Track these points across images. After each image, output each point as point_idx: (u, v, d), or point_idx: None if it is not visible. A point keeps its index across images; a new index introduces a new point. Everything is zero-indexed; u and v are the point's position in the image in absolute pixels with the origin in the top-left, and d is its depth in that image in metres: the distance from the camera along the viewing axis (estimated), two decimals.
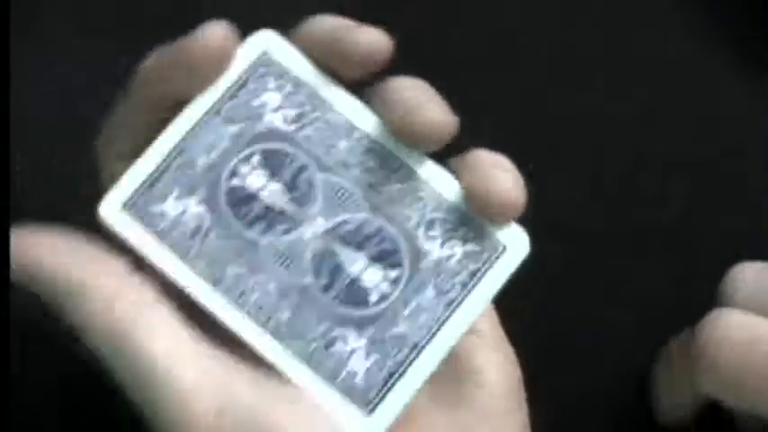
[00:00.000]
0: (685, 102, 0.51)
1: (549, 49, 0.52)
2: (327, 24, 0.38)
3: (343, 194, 0.38)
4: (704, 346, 0.39)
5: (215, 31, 0.37)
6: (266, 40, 0.39)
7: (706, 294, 0.43)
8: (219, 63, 0.38)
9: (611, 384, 0.47)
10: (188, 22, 0.39)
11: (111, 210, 0.37)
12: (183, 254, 0.37)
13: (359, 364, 0.36)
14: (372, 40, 0.37)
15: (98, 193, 0.38)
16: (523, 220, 0.37)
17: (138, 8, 0.52)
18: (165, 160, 0.37)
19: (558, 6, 0.53)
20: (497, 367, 0.38)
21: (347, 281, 0.37)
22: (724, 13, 0.53)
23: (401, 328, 0.36)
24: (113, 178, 0.38)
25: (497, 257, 0.37)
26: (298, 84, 0.38)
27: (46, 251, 0.36)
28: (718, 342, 0.39)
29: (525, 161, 0.40)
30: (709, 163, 0.50)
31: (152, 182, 0.37)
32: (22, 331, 0.46)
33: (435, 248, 0.37)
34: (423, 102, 0.37)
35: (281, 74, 0.38)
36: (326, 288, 0.37)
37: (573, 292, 0.48)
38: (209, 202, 0.37)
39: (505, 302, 0.40)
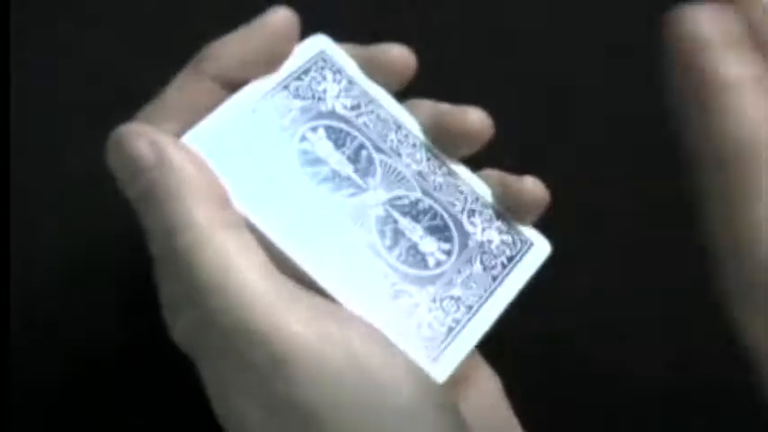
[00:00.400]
0: None
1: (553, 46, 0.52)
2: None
3: (397, 175, 0.41)
4: None
5: (283, 15, 0.40)
6: (323, 42, 0.42)
7: None
8: (288, 44, 0.40)
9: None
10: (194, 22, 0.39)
11: (202, 139, 0.38)
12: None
13: (423, 317, 0.39)
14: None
15: (100, 193, 0.38)
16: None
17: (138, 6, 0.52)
18: (240, 114, 0.39)
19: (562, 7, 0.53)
20: None
21: (408, 245, 0.40)
22: None
23: (457, 291, 0.40)
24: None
25: (527, 251, 0.42)
26: (351, 81, 0.42)
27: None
28: None
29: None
30: None
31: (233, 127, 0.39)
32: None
33: (477, 232, 0.42)
34: (463, 107, 0.42)
35: (337, 70, 0.42)
36: (391, 248, 0.40)
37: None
38: (283, 158, 0.39)
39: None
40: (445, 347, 0.39)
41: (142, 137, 0.37)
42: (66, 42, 0.51)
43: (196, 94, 0.39)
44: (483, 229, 0.42)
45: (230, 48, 0.39)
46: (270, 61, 0.40)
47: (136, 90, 0.39)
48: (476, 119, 0.41)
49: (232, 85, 0.40)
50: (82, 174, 0.47)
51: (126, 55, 0.51)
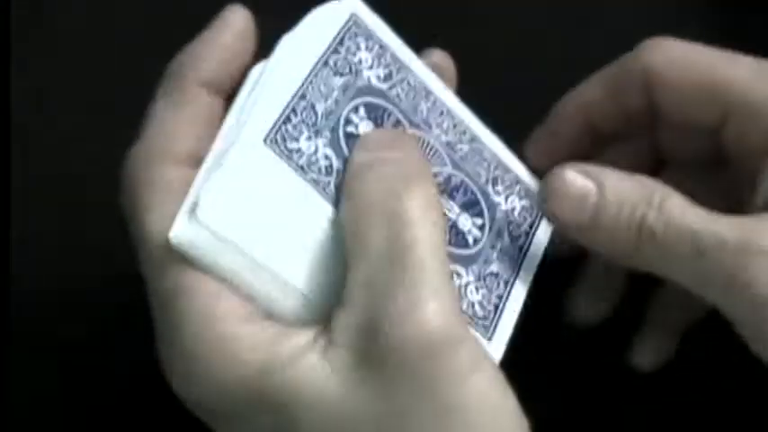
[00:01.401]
0: None
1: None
2: None
3: (430, 150, 0.41)
4: (654, 54, 0.43)
5: (242, 14, 0.39)
6: (353, 4, 0.41)
7: None
8: (250, 43, 0.39)
9: None
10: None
11: (253, 145, 0.36)
12: (322, 189, 0.37)
13: (473, 297, 0.39)
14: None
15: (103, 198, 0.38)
16: None
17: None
18: (290, 102, 0.37)
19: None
20: None
21: (449, 224, 0.39)
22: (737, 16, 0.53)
23: (494, 267, 0.40)
24: (177, 187, 0.37)
25: (544, 215, 0.41)
26: (382, 46, 0.41)
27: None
28: (666, 52, 0.43)
29: None
30: None
31: (284, 120, 0.37)
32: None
33: (502, 201, 0.42)
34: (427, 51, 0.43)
35: (369, 36, 0.41)
36: None
37: None
38: (333, 145, 0.38)
39: None
40: (496, 325, 0.39)
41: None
42: (67, 42, 0.51)
43: (196, 106, 0.38)
44: (506, 197, 0.42)
45: (207, 52, 0.39)
46: (241, 61, 0.39)
47: (136, 90, 0.39)
48: (437, 59, 0.43)
49: (220, 90, 0.39)
50: (82, 174, 0.47)
51: (126, 55, 0.51)
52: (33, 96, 0.50)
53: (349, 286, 0.35)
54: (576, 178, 0.39)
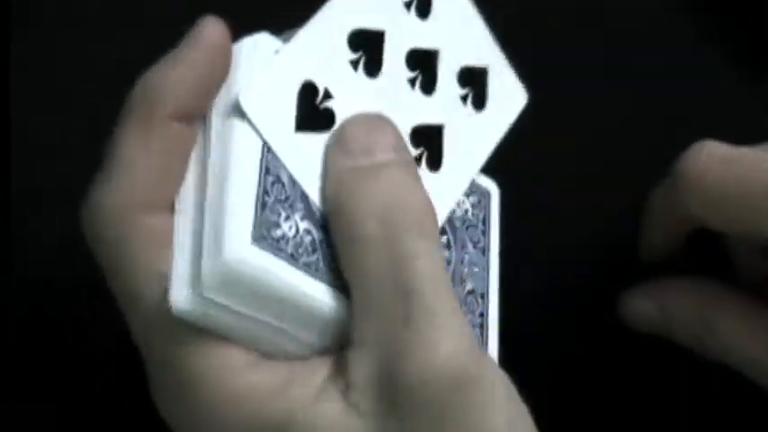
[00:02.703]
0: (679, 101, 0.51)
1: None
2: None
3: None
4: (690, 164, 0.40)
5: (215, 26, 0.35)
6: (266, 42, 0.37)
7: None
8: (227, 56, 0.36)
9: None
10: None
11: (241, 248, 0.33)
12: (314, 270, 0.35)
13: None
14: None
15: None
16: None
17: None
18: (260, 181, 0.34)
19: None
20: None
21: None
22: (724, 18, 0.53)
23: (469, 284, 0.38)
24: (162, 237, 0.34)
25: (489, 202, 0.40)
26: None
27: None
28: (704, 160, 0.40)
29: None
30: None
31: (261, 208, 0.34)
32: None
33: (456, 207, 0.39)
34: None
35: None
36: None
37: None
38: (309, 214, 0.35)
39: None
40: (486, 345, 0.38)
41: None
42: (67, 42, 0.51)
43: (167, 142, 0.34)
44: (458, 202, 0.40)
45: (175, 77, 0.34)
46: (217, 79, 0.35)
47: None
48: None
49: (192, 118, 0.35)
50: (82, 174, 0.47)
51: (127, 54, 0.51)
52: (33, 96, 0.50)
53: (358, 324, 0.34)
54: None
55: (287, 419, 0.33)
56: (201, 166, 0.35)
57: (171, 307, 0.33)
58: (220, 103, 0.35)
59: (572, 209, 0.49)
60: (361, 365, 0.34)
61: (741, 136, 0.51)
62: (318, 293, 0.34)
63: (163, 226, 0.34)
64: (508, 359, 0.37)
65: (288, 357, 0.35)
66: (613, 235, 0.49)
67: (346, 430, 0.33)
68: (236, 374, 0.34)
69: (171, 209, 0.35)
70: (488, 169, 0.41)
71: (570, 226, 0.49)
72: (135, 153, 0.34)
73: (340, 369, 0.34)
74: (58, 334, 0.47)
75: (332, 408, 0.33)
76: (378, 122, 0.36)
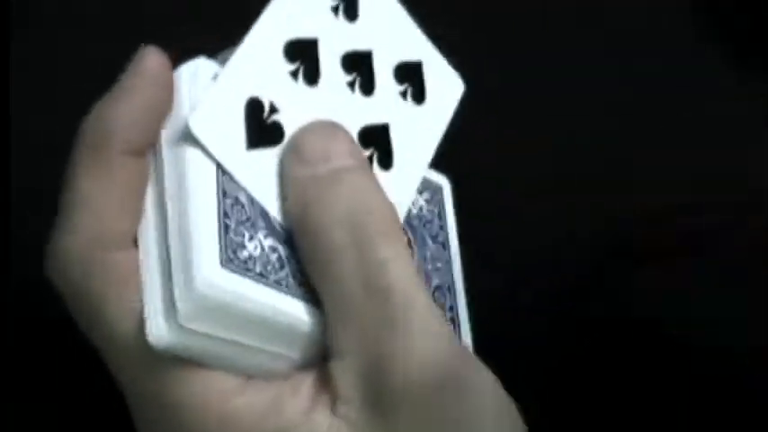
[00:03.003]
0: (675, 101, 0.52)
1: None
2: None
3: None
4: None
5: (156, 58, 0.35)
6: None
7: None
8: (170, 87, 0.35)
9: None
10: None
11: (211, 273, 0.33)
12: (285, 286, 0.34)
13: None
14: None
15: None
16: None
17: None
18: (219, 206, 0.34)
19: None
20: None
21: None
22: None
23: (436, 280, 0.38)
24: (127, 273, 0.34)
25: (442, 196, 0.41)
26: None
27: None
28: None
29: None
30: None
31: (224, 232, 0.34)
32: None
33: (411, 207, 0.39)
34: None
35: None
36: None
37: None
38: (272, 232, 0.35)
39: None
40: (459, 338, 0.38)
41: None
42: (67, 42, 0.51)
43: (125, 177, 0.34)
44: (413, 201, 0.39)
45: (128, 113, 0.34)
46: (161, 109, 0.35)
47: None
48: None
49: (143, 151, 0.35)
50: None
51: (126, 55, 0.51)
52: (33, 96, 0.50)
53: (337, 334, 0.34)
54: None
55: None
56: (158, 198, 0.35)
57: (150, 342, 0.33)
58: (168, 133, 0.35)
59: (547, 210, 0.50)
60: (346, 375, 0.33)
61: (738, 136, 0.51)
62: (292, 309, 0.34)
63: (127, 261, 0.34)
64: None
65: (270, 376, 0.34)
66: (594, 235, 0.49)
67: None
68: (222, 400, 0.33)
69: (134, 243, 0.35)
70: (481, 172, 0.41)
71: (537, 228, 0.49)
72: (91, 190, 0.34)
73: (324, 382, 0.34)
74: (57, 334, 0.47)
75: (321, 423, 0.33)
76: (330, 129, 0.36)
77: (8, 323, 0.46)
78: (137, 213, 0.34)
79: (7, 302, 0.46)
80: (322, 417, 0.33)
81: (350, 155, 0.35)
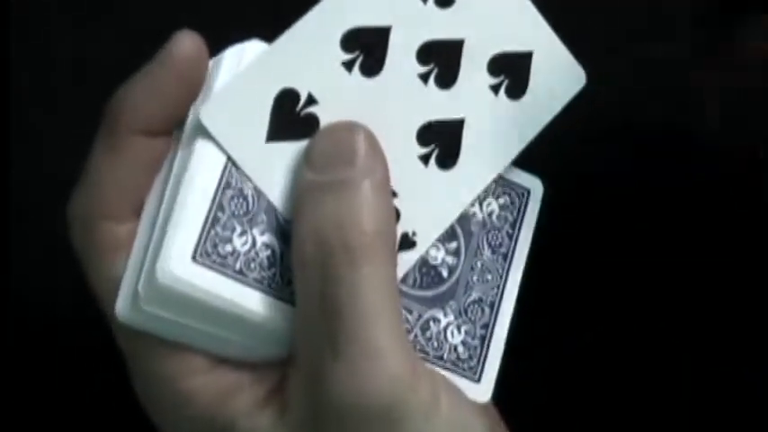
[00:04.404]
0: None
1: None
2: None
3: None
4: None
5: (190, 41, 0.35)
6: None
7: None
8: (202, 69, 0.35)
9: None
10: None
11: (177, 265, 0.33)
12: (266, 285, 0.34)
13: (456, 338, 0.36)
14: None
15: None
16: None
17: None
18: (215, 197, 0.34)
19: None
20: None
21: (418, 264, 0.36)
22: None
23: (476, 293, 0.37)
24: (122, 244, 0.35)
25: (526, 203, 0.38)
26: None
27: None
28: None
29: None
30: None
31: (212, 223, 0.33)
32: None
33: (477, 210, 0.37)
34: None
35: None
36: (403, 278, 0.36)
37: None
38: (273, 228, 0.34)
39: None
40: (484, 362, 0.36)
41: None
42: (66, 42, 0.51)
43: (132, 153, 0.35)
44: (481, 203, 0.37)
45: (142, 94, 0.34)
46: (189, 94, 0.35)
47: None
48: None
49: (161, 131, 0.35)
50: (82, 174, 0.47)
51: (127, 53, 0.51)
52: (33, 96, 0.50)
53: (295, 344, 0.34)
54: None
55: (229, 425, 0.34)
56: (166, 176, 0.35)
57: (116, 314, 0.34)
58: (193, 114, 0.35)
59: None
60: (294, 385, 0.34)
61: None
62: (262, 308, 0.34)
63: (126, 233, 0.35)
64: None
65: (241, 363, 0.35)
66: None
67: None
68: (184, 377, 0.34)
69: (136, 216, 0.35)
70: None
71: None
72: (99, 164, 0.35)
73: (283, 383, 0.34)
74: (57, 334, 0.47)
75: (268, 420, 0.34)
76: (346, 134, 0.34)
77: (8, 323, 0.46)
78: (142, 190, 0.35)
79: (7, 302, 0.46)
80: (266, 418, 0.34)
81: (356, 165, 0.33)
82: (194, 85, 0.35)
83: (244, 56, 0.35)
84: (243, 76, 0.34)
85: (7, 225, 0.47)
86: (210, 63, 0.35)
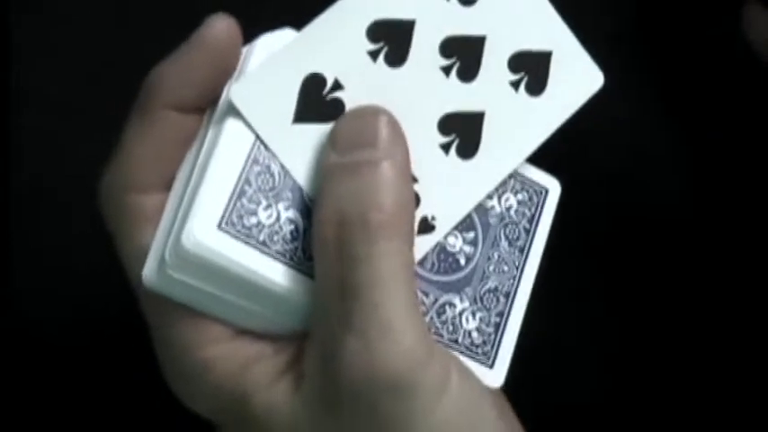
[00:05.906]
0: None
1: None
2: None
3: None
4: None
5: (224, 24, 0.36)
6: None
7: None
8: (235, 53, 0.37)
9: None
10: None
11: (204, 232, 0.34)
12: (289, 258, 0.35)
13: (469, 324, 0.37)
14: None
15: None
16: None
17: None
18: (242, 171, 0.35)
19: None
20: None
21: (436, 250, 0.37)
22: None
23: (492, 282, 0.38)
24: (150, 214, 0.36)
25: (544, 201, 0.39)
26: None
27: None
28: None
29: None
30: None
31: (238, 195, 0.35)
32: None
33: (495, 203, 0.39)
34: None
35: None
36: (421, 262, 0.37)
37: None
38: (298, 205, 0.36)
39: None
40: (498, 348, 0.37)
41: None
42: (66, 42, 0.51)
43: (163, 130, 0.36)
44: (499, 197, 0.39)
45: (176, 73, 0.36)
46: (221, 75, 0.36)
47: (136, 90, 0.39)
48: None
49: (194, 108, 0.36)
50: (82, 173, 0.47)
51: (126, 55, 0.51)
52: (33, 96, 0.50)
53: (312, 319, 0.35)
54: None
55: (246, 395, 0.35)
56: (197, 150, 0.36)
57: (143, 280, 0.35)
58: (225, 95, 0.36)
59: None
60: (310, 358, 0.34)
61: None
62: (284, 279, 0.35)
63: (155, 205, 0.36)
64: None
65: (261, 334, 0.36)
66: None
67: (292, 416, 0.34)
68: (204, 346, 0.35)
69: (165, 188, 0.37)
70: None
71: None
72: (131, 139, 0.36)
73: (300, 357, 0.35)
74: (58, 334, 0.47)
75: (284, 392, 0.35)
76: (370, 118, 0.35)
77: (8, 323, 0.46)
78: (172, 163, 0.37)
79: (7, 302, 0.46)
80: (286, 387, 0.35)
81: (379, 147, 0.35)
82: (226, 67, 0.36)
83: (276, 42, 0.36)
84: (273, 59, 0.36)
85: (7, 225, 0.47)
86: (245, 49, 0.37)
